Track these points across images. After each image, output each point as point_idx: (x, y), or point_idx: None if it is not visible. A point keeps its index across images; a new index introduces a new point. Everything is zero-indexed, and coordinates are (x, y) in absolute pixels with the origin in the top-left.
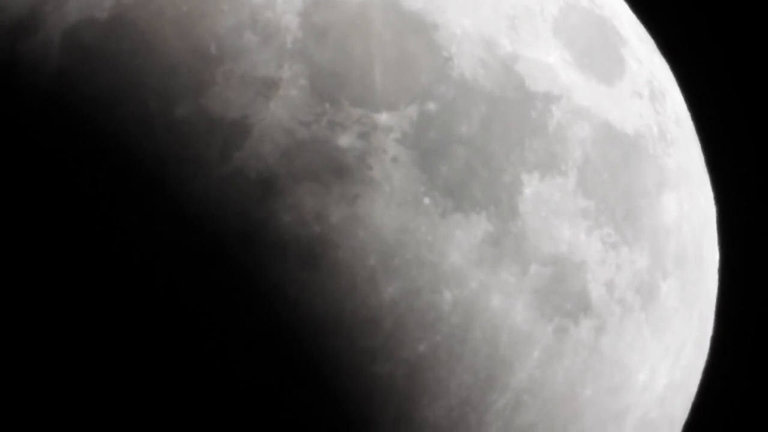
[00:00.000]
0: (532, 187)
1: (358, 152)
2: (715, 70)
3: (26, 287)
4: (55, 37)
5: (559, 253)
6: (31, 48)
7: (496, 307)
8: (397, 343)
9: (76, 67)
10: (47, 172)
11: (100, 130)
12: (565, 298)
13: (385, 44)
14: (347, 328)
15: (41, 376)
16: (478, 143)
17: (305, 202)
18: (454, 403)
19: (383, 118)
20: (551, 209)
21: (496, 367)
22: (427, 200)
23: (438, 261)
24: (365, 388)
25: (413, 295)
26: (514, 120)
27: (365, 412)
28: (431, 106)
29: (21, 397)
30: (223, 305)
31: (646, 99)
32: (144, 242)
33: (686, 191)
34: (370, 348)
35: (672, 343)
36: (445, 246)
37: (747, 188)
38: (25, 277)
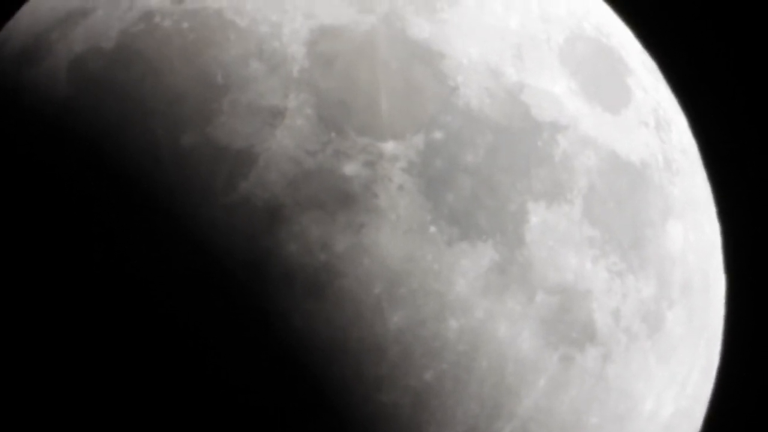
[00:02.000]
0: (538, 215)
1: (363, 181)
2: (722, 97)
3: (33, 311)
4: (62, 65)
5: (565, 281)
6: (38, 76)
7: (503, 336)
8: (403, 371)
9: (83, 95)
10: (52, 200)
11: (106, 158)
12: (571, 326)
13: (392, 73)
14: (353, 357)
15: (47, 398)
16: (484, 172)
17: (311, 231)
18: (460, 431)
19: (389, 146)
20: (557, 238)
21: (503, 395)
22: (433, 229)
23: (444, 290)
24: (371, 417)
25: (419, 323)
26: (520, 149)
27: None
28: (437, 135)
29: (24, 412)
30: (229, 333)
31: (652, 128)
32: (149, 270)
33: (692, 220)
34: (376, 376)
35: (678, 371)
36: (451, 274)
37: (753, 216)
38: (30, 302)
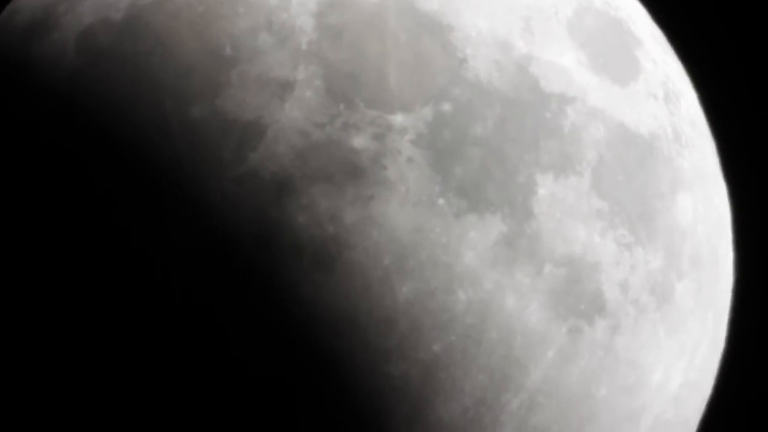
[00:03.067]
0: (546, 188)
1: (372, 153)
2: (731, 71)
3: (38, 289)
4: (70, 38)
5: (573, 253)
6: (46, 49)
7: (511, 308)
8: (412, 343)
9: (91, 68)
10: (60, 174)
11: (114, 131)
12: (579, 298)
13: (400, 46)
14: (362, 329)
15: (57, 378)
16: (493, 144)
17: (320, 203)
18: (468, 403)
19: (398, 119)
20: (565, 210)
21: (511, 367)
22: (441, 201)
23: (452, 262)
24: (379, 388)
25: (428, 295)
26: (528, 121)
27: (379, 412)
28: (446, 107)
29: (40, 397)
30: (238, 306)
31: (661, 100)
32: (158, 243)
33: (701, 192)
34: (385, 348)
35: (687, 343)
36: (460, 247)
37: (762, 188)
38: (36, 279)
